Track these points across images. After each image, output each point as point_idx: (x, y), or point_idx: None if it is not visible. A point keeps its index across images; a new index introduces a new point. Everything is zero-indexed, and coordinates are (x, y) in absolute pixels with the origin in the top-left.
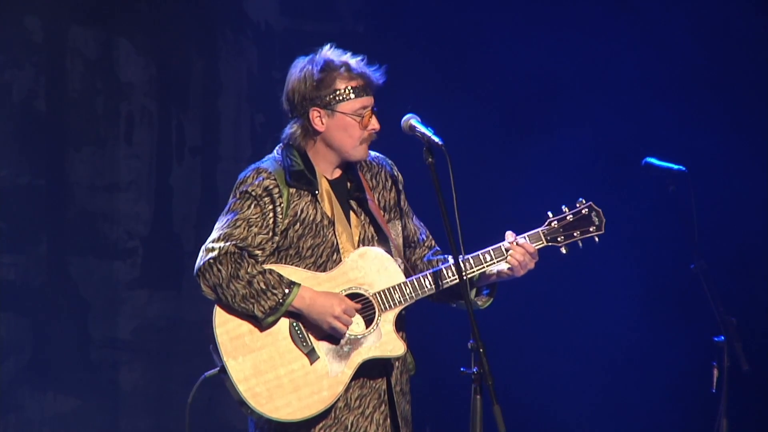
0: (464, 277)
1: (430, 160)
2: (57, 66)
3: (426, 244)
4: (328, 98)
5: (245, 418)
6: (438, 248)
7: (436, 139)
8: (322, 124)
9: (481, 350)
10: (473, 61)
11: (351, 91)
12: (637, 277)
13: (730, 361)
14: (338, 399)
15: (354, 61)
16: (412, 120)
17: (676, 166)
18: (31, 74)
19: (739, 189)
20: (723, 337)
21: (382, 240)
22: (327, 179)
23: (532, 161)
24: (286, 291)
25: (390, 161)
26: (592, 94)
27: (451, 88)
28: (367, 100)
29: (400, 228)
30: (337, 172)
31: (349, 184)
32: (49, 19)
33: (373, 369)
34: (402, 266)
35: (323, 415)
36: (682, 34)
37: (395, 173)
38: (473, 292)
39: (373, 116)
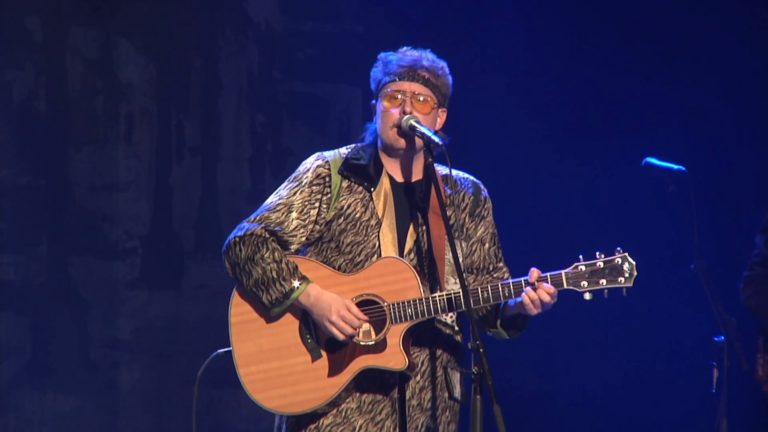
0: (467, 291)
1: (430, 160)
2: (57, 66)
3: (494, 275)
4: (376, 92)
5: (245, 418)
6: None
7: (435, 139)
8: (375, 115)
9: (481, 350)
10: (472, 60)
11: (384, 77)
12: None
13: (730, 361)
14: (329, 401)
15: (403, 50)
16: (412, 120)
17: (676, 166)
18: (31, 74)
19: (739, 189)
20: (723, 337)
21: (438, 255)
22: (395, 180)
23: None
24: (295, 285)
25: (481, 189)
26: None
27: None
28: (399, 85)
29: (464, 249)
30: (414, 177)
31: (423, 193)
32: (49, 19)
33: (391, 377)
34: (447, 286)
35: (332, 413)
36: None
37: (480, 198)
38: (498, 322)
39: (406, 100)
